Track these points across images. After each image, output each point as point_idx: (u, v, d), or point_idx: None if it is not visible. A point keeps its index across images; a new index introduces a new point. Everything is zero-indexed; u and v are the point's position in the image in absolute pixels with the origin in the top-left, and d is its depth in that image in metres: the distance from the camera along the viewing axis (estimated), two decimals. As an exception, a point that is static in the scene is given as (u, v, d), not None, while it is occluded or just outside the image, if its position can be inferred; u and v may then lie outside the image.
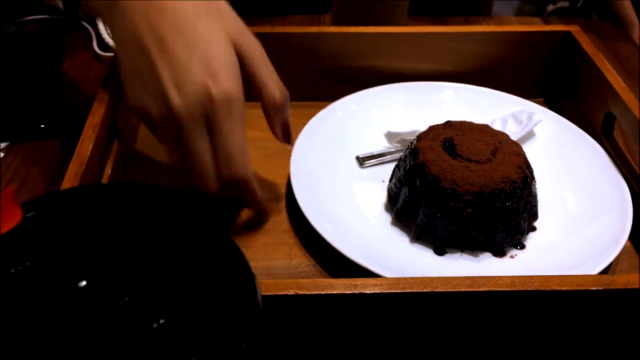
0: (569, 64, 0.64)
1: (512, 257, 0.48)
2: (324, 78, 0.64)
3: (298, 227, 0.51)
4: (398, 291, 0.37)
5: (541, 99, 0.67)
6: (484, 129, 0.51)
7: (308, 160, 0.53)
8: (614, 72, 0.57)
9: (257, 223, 0.52)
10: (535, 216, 0.51)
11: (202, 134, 0.43)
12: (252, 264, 0.29)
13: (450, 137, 0.50)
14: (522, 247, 0.49)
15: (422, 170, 0.48)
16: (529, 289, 0.38)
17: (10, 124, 0.61)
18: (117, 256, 0.25)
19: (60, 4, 0.48)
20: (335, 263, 0.47)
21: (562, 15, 1.08)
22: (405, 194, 0.49)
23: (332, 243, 0.46)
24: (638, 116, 0.51)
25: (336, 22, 0.75)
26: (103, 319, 0.23)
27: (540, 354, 0.42)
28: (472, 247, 0.48)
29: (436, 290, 0.37)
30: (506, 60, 0.64)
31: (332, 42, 0.62)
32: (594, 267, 0.44)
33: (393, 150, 0.57)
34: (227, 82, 0.42)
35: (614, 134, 0.57)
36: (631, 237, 0.49)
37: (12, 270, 0.23)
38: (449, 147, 0.49)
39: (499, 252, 0.48)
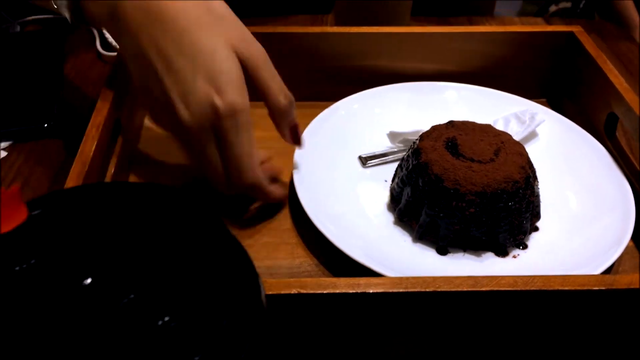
0: (571, 65, 0.64)
1: (514, 257, 0.48)
2: (327, 78, 0.64)
3: (300, 226, 0.51)
4: (401, 290, 0.37)
5: (544, 99, 0.67)
6: (487, 129, 0.51)
7: (311, 160, 0.53)
8: (616, 72, 0.57)
9: (259, 222, 0.52)
10: (537, 216, 0.51)
11: (211, 144, 0.45)
12: (254, 264, 0.29)
13: (453, 137, 0.50)
14: (525, 247, 0.49)
15: (424, 170, 0.48)
16: (532, 288, 0.38)
17: (13, 123, 0.61)
18: (122, 254, 0.25)
19: (67, 14, 0.48)
20: (338, 263, 0.47)
21: (564, 15, 1.08)
22: (407, 193, 0.49)
23: (334, 243, 0.46)
24: (641, 116, 0.51)
25: (339, 22, 0.75)
26: (108, 316, 0.23)
27: (542, 353, 0.42)
28: (475, 247, 0.48)
29: (439, 289, 0.38)
30: (509, 60, 0.64)
31: (335, 42, 0.62)
32: (597, 268, 0.44)
33: (395, 150, 0.57)
34: (231, 95, 0.44)
35: (617, 134, 0.57)
36: (634, 238, 0.49)
37: (17, 268, 0.23)
38: (452, 147, 0.49)
39: (502, 252, 0.48)
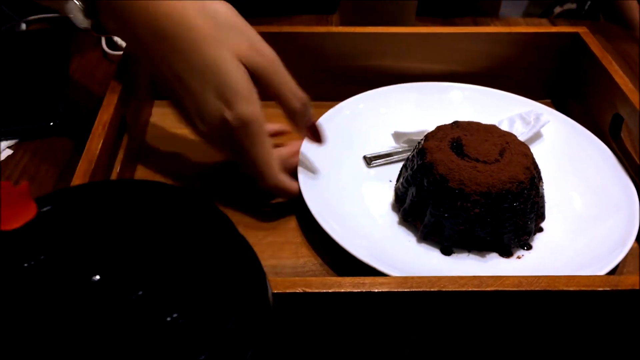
0: (576, 65, 0.64)
1: (518, 257, 0.48)
2: (332, 78, 0.64)
3: (305, 226, 0.51)
4: (406, 290, 0.38)
5: (548, 100, 0.67)
6: (492, 129, 0.52)
7: (315, 160, 0.54)
8: (621, 73, 0.57)
9: (264, 221, 0.52)
10: (542, 217, 0.51)
11: (231, 150, 0.49)
12: (260, 262, 0.29)
13: (457, 137, 0.50)
14: (529, 247, 0.49)
15: (429, 170, 0.48)
16: (537, 289, 0.38)
17: (19, 121, 0.61)
18: (130, 252, 0.25)
19: (81, 18, 0.50)
20: (342, 262, 0.47)
21: (569, 17, 1.08)
22: (412, 193, 0.49)
23: (339, 242, 0.46)
24: (646, 118, 0.51)
25: (344, 22, 0.75)
26: (116, 312, 0.23)
27: (547, 353, 0.42)
28: (479, 247, 0.48)
29: (444, 289, 0.38)
30: (514, 61, 0.64)
31: (340, 42, 0.62)
32: (601, 269, 0.44)
33: (400, 150, 0.57)
34: (240, 108, 0.46)
35: (622, 135, 0.57)
36: (638, 239, 0.49)
37: (27, 265, 0.23)
38: (457, 147, 0.49)
39: (506, 253, 0.48)
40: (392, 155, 0.57)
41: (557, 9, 1.05)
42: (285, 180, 0.49)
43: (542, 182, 0.50)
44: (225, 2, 0.48)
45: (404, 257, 0.48)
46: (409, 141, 0.57)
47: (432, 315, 0.40)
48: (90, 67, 0.71)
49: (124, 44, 0.68)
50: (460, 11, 0.83)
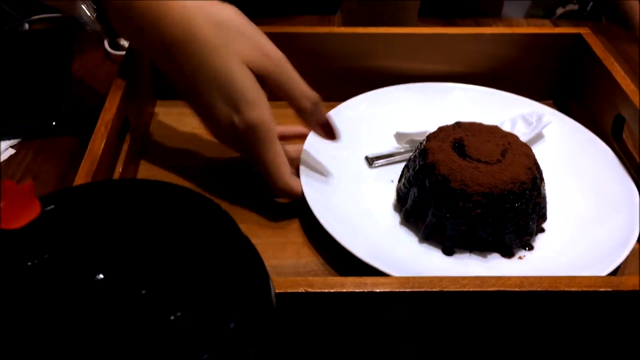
0: (578, 66, 0.64)
1: (520, 258, 0.48)
2: (334, 78, 0.64)
3: (307, 226, 0.51)
4: (408, 290, 0.38)
5: (550, 101, 0.67)
6: (494, 130, 0.52)
7: (317, 160, 0.54)
8: (623, 74, 0.57)
9: (266, 221, 0.52)
10: (544, 217, 0.51)
11: (242, 152, 0.51)
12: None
13: (459, 137, 0.50)
14: (531, 248, 0.49)
15: (431, 171, 0.48)
16: (538, 289, 0.38)
17: (22, 121, 0.61)
18: (133, 252, 0.25)
19: (91, 16, 0.50)
20: (344, 262, 0.47)
21: (571, 18, 1.08)
22: (414, 194, 0.49)
23: (341, 242, 0.46)
24: (648, 119, 0.51)
25: (346, 22, 0.76)
26: (119, 311, 0.23)
27: (548, 354, 0.42)
28: (481, 247, 0.48)
29: (445, 289, 0.38)
30: (516, 62, 0.64)
31: (343, 43, 0.62)
32: (603, 270, 0.44)
33: (402, 150, 0.57)
34: (248, 113, 0.47)
35: (623, 136, 0.57)
36: (640, 240, 0.49)
37: (30, 263, 0.23)
38: (459, 147, 0.49)
39: (508, 253, 0.48)
40: (394, 156, 0.57)
41: (559, 10, 1.05)
42: (293, 183, 0.50)
43: (544, 183, 0.50)
44: (231, 6, 0.49)
45: (405, 257, 0.48)
46: (410, 142, 0.57)
47: (433, 315, 0.40)
48: (92, 67, 0.71)
49: (127, 44, 0.68)
50: (462, 12, 0.83)
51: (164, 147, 0.59)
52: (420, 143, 0.52)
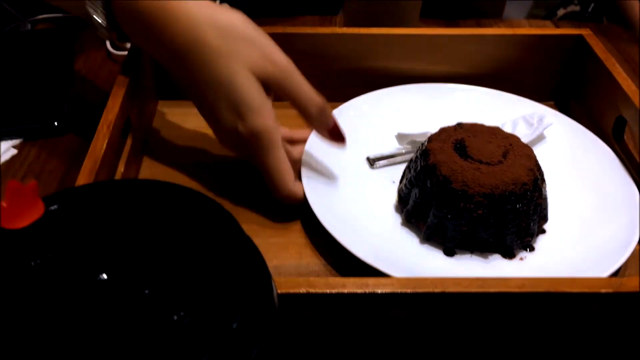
0: (580, 67, 0.64)
1: (521, 259, 0.49)
2: (336, 79, 0.64)
3: (308, 226, 0.51)
4: (409, 291, 0.38)
5: (552, 102, 0.67)
6: (495, 131, 0.52)
7: (319, 160, 0.54)
8: (625, 75, 0.57)
9: (267, 222, 0.52)
10: (545, 219, 0.51)
11: (247, 158, 0.51)
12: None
13: (461, 138, 0.50)
14: (532, 249, 0.49)
15: (433, 172, 0.48)
16: (539, 290, 0.38)
17: (24, 121, 0.62)
18: (136, 252, 0.25)
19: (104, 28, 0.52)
20: (345, 263, 0.47)
21: (572, 19, 1.08)
22: (415, 195, 0.49)
23: (342, 243, 0.46)
24: (649, 120, 0.51)
25: (348, 22, 0.76)
26: (123, 310, 0.23)
27: (549, 356, 0.43)
28: (482, 248, 0.48)
29: (447, 291, 0.38)
30: (518, 63, 0.64)
31: (344, 43, 0.62)
32: (604, 271, 0.45)
33: (404, 151, 0.58)
34: (251, 120, 0.47)
35: (625, 137, 0.57)
36: (641, 241, 0.49)
37: (34, 263, 0.24)
38: (460, 148, 0.49)
39: (509, 254, 0.48)
40: (396, 157, 0.57)
41: (561, 11, 1.05)
42: (296, 190, 0.50)
43: (545, 184, 0.51)
44: (238, 12, 0.49)
45: (406, 258, 0.48)
46: (412, 142, 0.57)
47: (434, 317, 0.40)
48: (94, 67, 0.71)
49: (128, 44, 0.68)
50: (463, 13, 0.83)
51: (166, 147, 0.59)
52: (422, 144, 0.52)
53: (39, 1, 0.62)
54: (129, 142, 0.54)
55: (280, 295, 0.37)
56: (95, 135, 0.48)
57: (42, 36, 0.74)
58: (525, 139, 0.56)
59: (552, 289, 0.38)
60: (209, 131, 0.52)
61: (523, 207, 0.47)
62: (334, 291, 0.37)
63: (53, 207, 0.26)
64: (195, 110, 0.52)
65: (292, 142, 0.55)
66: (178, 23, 0.47)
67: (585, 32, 0.64)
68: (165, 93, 0.64)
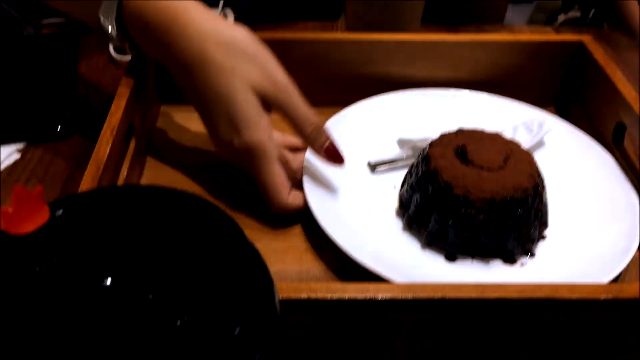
0: (580, 73, 0.64)
1: (522, 264, 0.49)
2: (337, 84, 0.64)
3: (309, 231, 0.51)
4: (409, 297, 0.38)
5: (552, 108, 0.67)
6: (496, 136, 0.52)
7: (320, 165, 0.54)
8: (625, 82, 0.57)
9: (268, 227, 0.52)
10: (545, 225, 0.51)
11: (245, 170, 0.52)
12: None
13: (462, 144, 0.50)
14: (532, 255, 0.49)
15: (434, 177, 0.48)
16: (539, 296, 0.38)
17: (27, 125, 0.62)
18: (139, 257, 0.26)
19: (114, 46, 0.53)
20: (346, 268, 0.47)
21: (573, 24, 1.08)
22: (417, 200, 0.50)
23: (343, 248, 0.46)
24: (649, 127, 0.52)
25: (349, 28, 0.76)
26: (127, 316, 0.23)
27: (549, 361, 0.43)
28: (483, 254, 0.49)
29: (447, 296, 0.38)
30: (519, 68, 0.65)
31: (346, 49, 0.63)
32: (604, 277, 0.45)
33: (405, 156, 0.58)
34: (245, 135, 0.49)
35: (625, 143, 0.57)
36: (640, 247, 0.49)
37: (38, 268, 0.24)
38: (461, 154, 0.50)
39: (510, 260, 0.49)
40: (397, 162, 0.57)
41: (561, 17, 1.05)
42: (291, 202, 0.51)
43: (545, 190, 0.51)
44: (243, 28, 0.51)
45: (407, 263, 0.48)
46: (413, 148, 0.58)
47: (434, 322, 0.40)
48: (97, 71, 0.71)
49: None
50: (464, 18, 0.83)
51: (168, 150, 0.60)
52: (423, 149, 0.52)
53: (42, 6, 0.62)
54: (131, 145, 0.54)
55: (282, 301, 0.37)
56: (98, 140, 0.48)
57: (46, 41, 0.75)
58: (525, 144, 0.56)
59: (551, 295, 0.38)
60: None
61: (524, 213, 0.47)
62: (334, 296, 0.38)
63: (58, 213, 0.27)
64: (197, 114, 0.52)
65: (296, 149, 0.55)
66: (185, 38, 0.49)
67: (585, 38, 0.64)
68: (168, 96, 0.65)
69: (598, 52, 0.62)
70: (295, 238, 0.51)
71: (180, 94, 0.53)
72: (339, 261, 0.48)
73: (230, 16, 0.74)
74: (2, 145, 0.60)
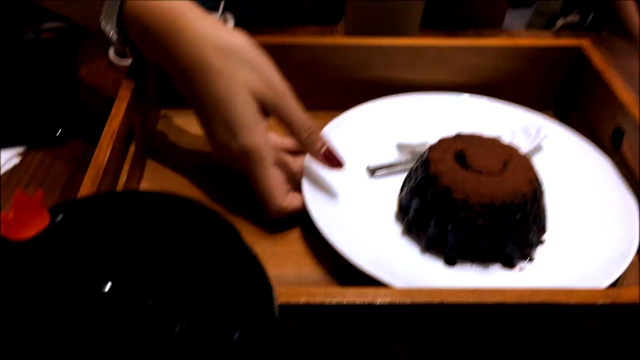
0: (578, 78, 0.64)
1: (520, 269, 0.49)
2: (336, 88, 0.64)
3: (308, 236, 0.51)
4: (407, 302, 0.38)
5: (551, 112, 0.67)
6: (495, 141, 0.52)
7: (319, 170, 0.54)
8: (623, 86, 0.58)
9: (267, 231, 0.52)
10: (543, 229, 0.51)
11: (243, 174, 0.52)
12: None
13: (461, 149, 0.50)
14: (531, 259, 0.50)
15: (433, 182, 0.48)
16: (537, 301, 0.38)
17: (28, 129, 0.62)
18: (139, 263, 0.26)
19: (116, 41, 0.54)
20: (345, 273, 0.47)
21: (572, 29, 1.08)
22: (416, 204, 0.50)
23: (342, 252, 0.46)
24: (647, 132, 0.52)
25: (349, 30, 0.76)
26: (126, 321, 0.24)
27: (547, 366, 0.43)
28: (482, 258, 0.49)
29: (445, 301, 0.38)
30: (517, 73, 0.65)
31: (345, 54, 0.63)
32: (602, 281, 0.45)
33: (404, 161, 0.58)
34: (241, 139, 0.49)
35: (623, 148, 0.57)
36: (639, 252, 0.49)
37: (38, 273, 0.24)
38: (460, 159, 0.50)
39: (509, 264, 0.49)
40: (396, 166, 0.57)
41: (560, 21, 1.06)
42: (287, 206, 0.51)
43: (544, 195, 0.51)
44: (242, 34, 0.51)
45: (407, 267, 0.48)
46: (412, 152, 0.58)
47: (433, 326, 0.40)
48: (97, 76, 0.72)
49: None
50: (463, 23, 0.83)
51: (168, 155, 0.60)
52: (422, 154, 0.52)
53: (42, 10, 0.63)
54: (132, 149, 0.55)
55: (280, 305, 0.37)
56: (99, 143, 0.48)
57: (46, 45, 0.75)
58: (523, 149, 0.56)
59: (549, 300, 0.38)
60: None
61: (523, 217, 0.47)
62: (333, 301, 0.38)
63: (58, 218, 0.27)
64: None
65: (296, 153, 0.55)
66: (185, 43, 0.50)
67: (584, 42, 0.64)
68: (168, 100, 0.65)
69: (596, 57, 0.62)
70: (294, 242, 0.51)
71: (180, 98, 0.53)
72: (337, 266, 0.48)
73: (231, 20, 0.75)
74: (2, 149, 0.60)
